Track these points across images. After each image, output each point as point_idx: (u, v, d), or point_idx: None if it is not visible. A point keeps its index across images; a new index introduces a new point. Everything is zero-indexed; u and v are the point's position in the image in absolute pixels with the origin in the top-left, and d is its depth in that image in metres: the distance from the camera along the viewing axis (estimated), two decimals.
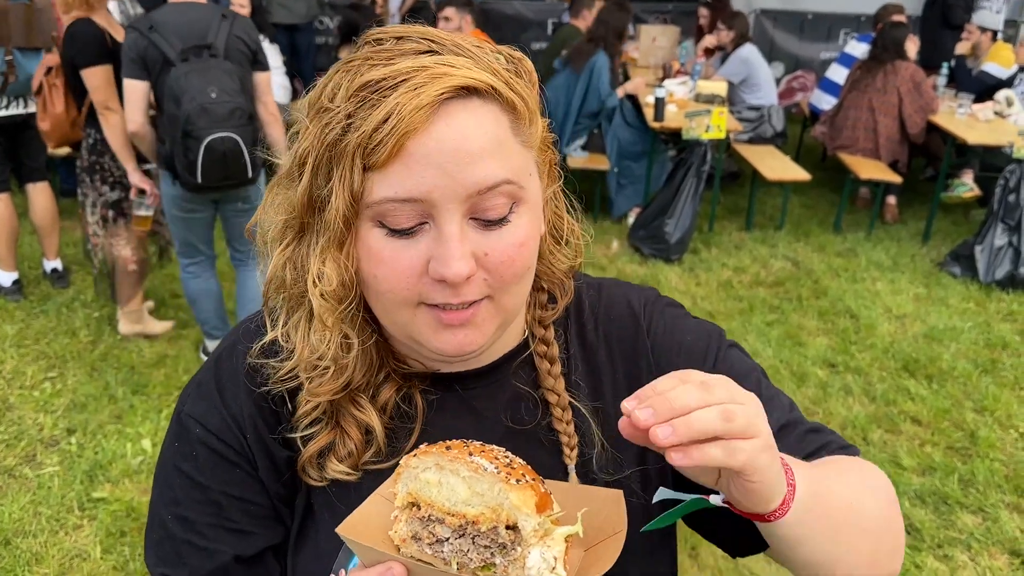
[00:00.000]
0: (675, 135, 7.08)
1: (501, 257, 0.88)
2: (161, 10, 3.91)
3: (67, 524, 3.40)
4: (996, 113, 7.27)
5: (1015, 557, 3.36)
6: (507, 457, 0.78)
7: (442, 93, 0.82)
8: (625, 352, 1.08)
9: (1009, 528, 3.50)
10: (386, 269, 0.88)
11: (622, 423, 0.74)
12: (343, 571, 0.98)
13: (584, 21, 7.74)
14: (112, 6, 4.73)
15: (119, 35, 4.24)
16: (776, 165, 7.23)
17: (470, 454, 0.77)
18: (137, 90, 3.91)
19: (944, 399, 4.52)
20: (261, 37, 4.40)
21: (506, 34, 10.59)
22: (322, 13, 8.59)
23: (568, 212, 1.07)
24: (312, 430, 0.98)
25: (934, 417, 4.34)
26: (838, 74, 8.46)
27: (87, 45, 4.18)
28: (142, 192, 4.45)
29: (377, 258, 0.88)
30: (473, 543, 0.75)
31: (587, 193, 7.46)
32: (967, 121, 7.18)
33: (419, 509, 0.78)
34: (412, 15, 8.80)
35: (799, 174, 7.03)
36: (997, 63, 7.90)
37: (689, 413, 0.72)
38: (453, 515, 0.76)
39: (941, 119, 7.19)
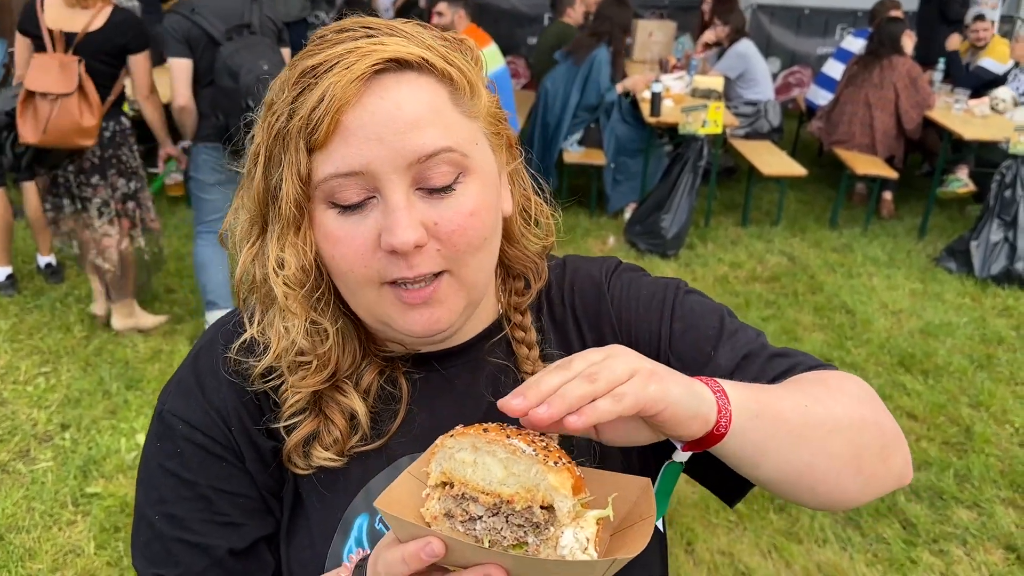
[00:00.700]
0: (671, 130, 7.07)
1: (451, 226, 0.88)
2: None
3: (61, 519, 3.39)
4: (992, 108, 7.27)
5: (1010, 552, 3.37)
6: (543, 440, 0.78)
7: (373, 65, 0.85)
8: (591, 321, 1.09)
9: (1004, 523, 3.50)
10: (342, 248, 0.89)
11: (523, 420, 0.77)
12: (359, 551, 0.98)
13: (571, 16, 7.74)
14: None
15: None
16: (772, 160, 7.23)
17: (508, 436, 0.77)
18: (185, 68, 4.31)
19: (940, 394, 4.52)
20: None
21: (501, 29, 10.55)
22: (316, 8, 8.58)
23: (535, 192, 1.08)
24: (296, 419, 0.98)
25: (930, 412, 4.34)
26: (834, 69, 8.46)
27: (140, 31, 4.45)
28: (168, 159, 4.72)
29: (332, 238, 0.89)
30: (507, 522, 0.76)
31: (583, 188, 7.45)
32: (963, 117, 7.18)
33: (452, 488, 0.79)
34: (403, 12, 8.81)
35: (795, 169, 7.03)
36: (993, 58, 7.91)
37: (556, 391, 0.76)
38: (488, 494, 0.77)
39: (937, 114, 7.19)
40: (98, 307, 4.98)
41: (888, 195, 7.46)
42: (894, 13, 7.83)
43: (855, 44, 8.40)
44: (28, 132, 4.27)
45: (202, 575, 0.99)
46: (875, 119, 7.26)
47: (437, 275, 0.90)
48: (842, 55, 8.55)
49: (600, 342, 1.06)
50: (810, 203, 7.78)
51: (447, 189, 0.89)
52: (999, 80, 7.85)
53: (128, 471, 3.67)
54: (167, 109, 4.62)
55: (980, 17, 8.24)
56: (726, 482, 1.04)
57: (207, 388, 1.01)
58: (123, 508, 3.44)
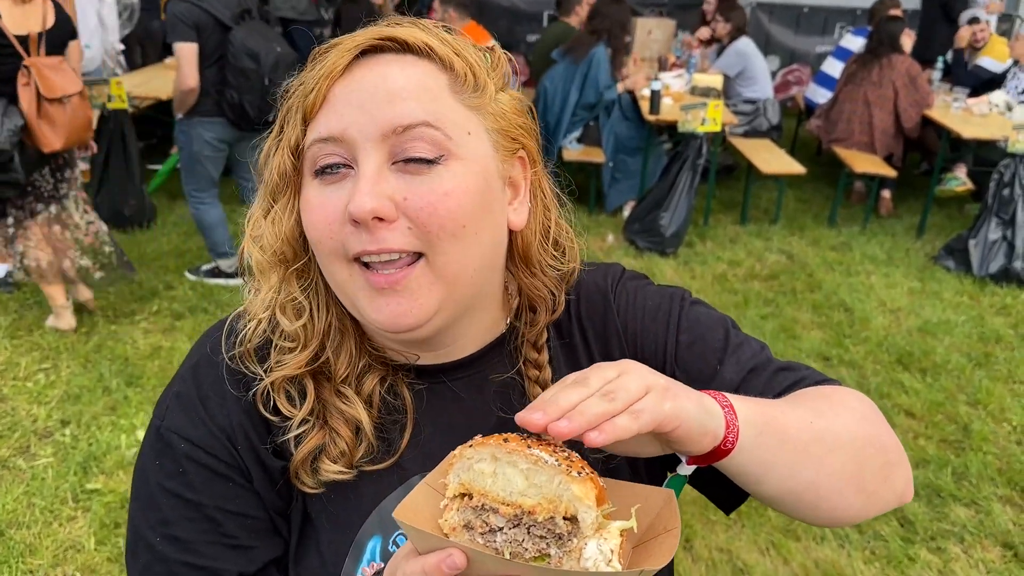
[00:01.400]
0: (671, 128, 7.08)
1: (420, 202, 0.86)
2: None
3: (61, 515, 3.39)
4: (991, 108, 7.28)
5: (1007, 549, 3.38)
6: (564, 451, 0.77)
7: (371, 38, 0.87)
8: (597, 331, 1.07)
9: (1002, 521, 3.52)
10: (315, 215, 0.89)
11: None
12: (373, 564, 0.96)
13: (576, 17, 7.73)
14: None
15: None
16: (771, 159, 7.24)
17: (529, 446, 0.76)
18: (194, 52, 4.70)
19: (938, 392, 4.53)
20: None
21: (501, 27, 10.57)
22: (320, 6, 8.61)
23: (560, 216, 1.06)
24: (302, 430, 0.95)
25: (927, 410, 4.35)
26: (833, 68, 8.47)
27: (72, 19, 4.57)
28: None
29: (309, 206, 0.90)
30: (528, 533, 0.75)
31: (582, 186, 7.45)
32: (962, 115, 7.19)
33: (471, 499, 0.77)
34: (401, 8, 8.80)
35: (794, 167, 7.04)
36: (992, 57, 7.92)
37: (575, 407, 0.75)
38: (508, 505, 0.75)
39: (936, 113, 7.20)
40: (81, 293, 4.93)
41: (887, 193, 7.47)
42: (893, 12, 7.84)
43: (854, 42, 8.42)
44: (53, 139, 4.25)
45: None
46: (874, 117, 7.27)
47: (413, 262, 0.87)
48: (841, 53, 8.56)
49: (606, 353, 1.06)
50: (809, 201, 7.79)
51: (424, 164, 0.86)
52: (998, 79, 7.86)
53: (128, 467, 3.68)
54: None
55: (974, 20, 8.24)
56: (724, 491, 1.04)
57: (210, 404, 0.96)
58: (123, 504, 3.45)
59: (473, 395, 1.02)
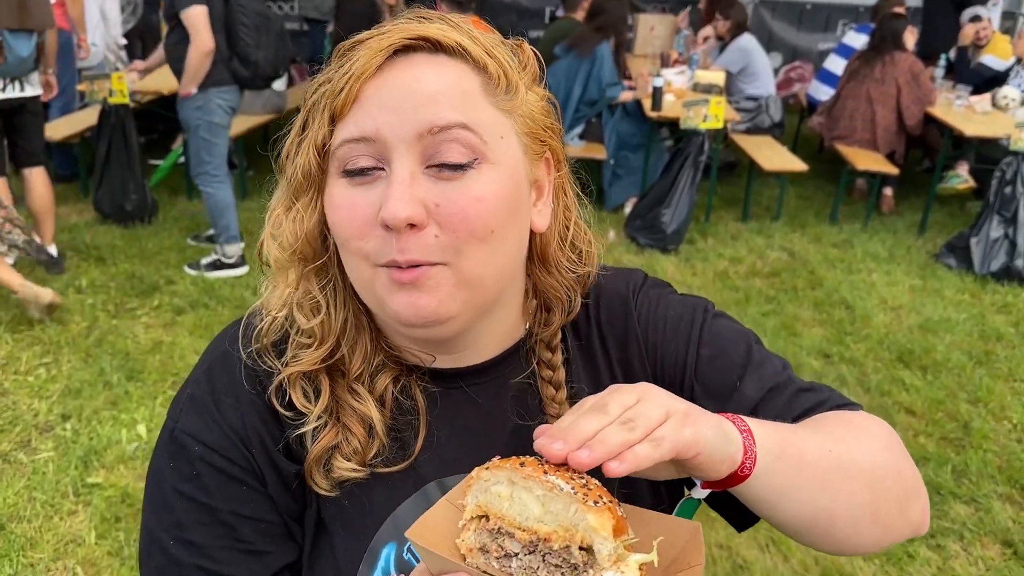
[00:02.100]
0: (672, 124, 7.07)
1: (453, 207, 0.85)
2: None
3: (62, 509, 3.40)
4: (995, 106, 7.26)
5: (1007, 547, 3.38)
6: (582, 478, 0.75)
7: (405, 38, 0.85)
8: (618, 339, 1.06)
9: (1001, 518, 3.52)
10: (344, 215, 0.88)
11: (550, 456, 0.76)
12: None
13: (582, 12, 7.72)
14: None
15: None
16: (773, 156, 7.23)
17: (545, 472, 0.75)
18: (206, 14, 4.86)
19: (938, 390, 4.53)
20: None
21: (503, 22, 10.54)
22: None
23: (580, 218, 1.06)
24: (316, 424, 0.95)
25: (928, 408, 4.35)
26: (836, 65, 8.46)
27: None
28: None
29: (336, 205, 0.88)
30: (543, 561, 0.74)
31: (584, 183, 7.43)
32: (964, 113, 7.18)
33: (488, 521, 0.76)
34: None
35: (796, 165, 7.03)
36: (995, 55, 7.90)
37: (595, 436, 0.74)
38: (524, 530, 0.74)
39: (938, 111, 7.19)
40: (42, 296, 4.79)
41: (888, 191, 7.46)
42: (897, 9, 7.82)
43: (857, 39, 8.40)
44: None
45: None
46: (876, 115, 7.26)
47: (436, 264, 0.87)
48: (844, 50, 8.54)
49: (625, 360, 1.05)
50: (810, 199, 7.79)
51: (458, 168, 0.85)
52: (1001, 77, 7.84)
53: (129, 462, 3.69)
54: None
55: (976, 18, 8.21)
56: (737, 511, 1.02)
57: (223, 406, 0.96)
58: (124, 499, 3.45)
59: (490, 400, 1.01)
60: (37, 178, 5.36)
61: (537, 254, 1.01)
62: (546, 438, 0.75)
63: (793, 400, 1.01)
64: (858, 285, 5.90)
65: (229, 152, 5.64)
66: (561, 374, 1.03)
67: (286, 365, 0.95)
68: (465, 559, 0.77)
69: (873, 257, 6.44)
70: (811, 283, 5.94)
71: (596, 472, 0.75)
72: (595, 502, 0.72)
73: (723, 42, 8.35)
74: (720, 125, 6.49)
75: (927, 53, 8.23)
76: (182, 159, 5.40)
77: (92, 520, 3.33)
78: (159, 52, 6.20)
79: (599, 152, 7.15)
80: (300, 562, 0.99)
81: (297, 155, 0.91)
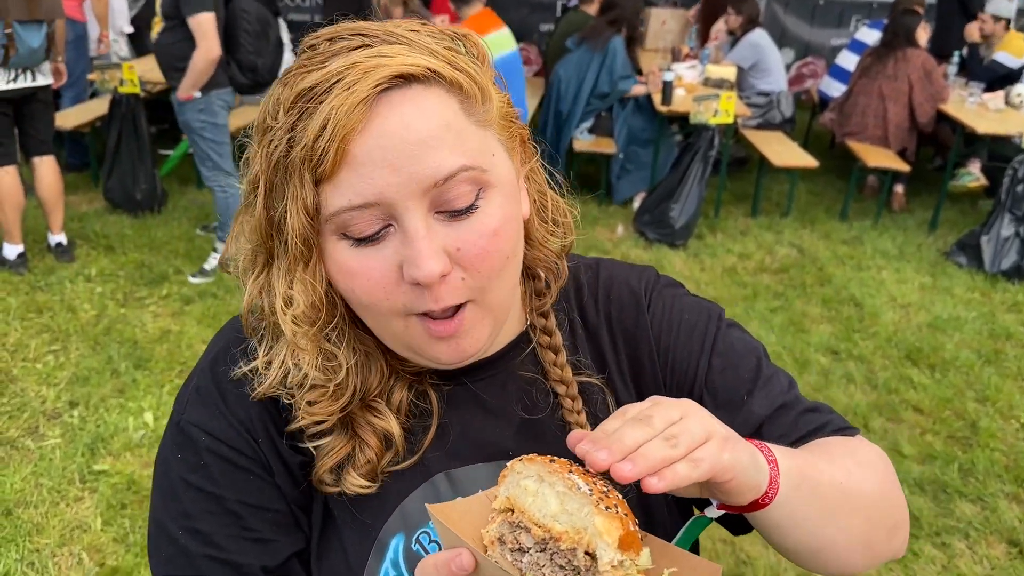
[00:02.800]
0: (682, 120, 7.04)
1: (475, 249, 0.84)
2: None
3: (68, 496, 3.42)
4: (1008, 103, 7.21)
5: (1013, 546, 3.36)
6: (606, 486, 0.76)
7: (377, 85, 0.78)
8: (627, 334, 1.06)
9: (1008, 517, 3.50)
10: (361, 280, 0.84)
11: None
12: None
13: (595, 6, 7.69)
14: None
15: None
16: (784, 151, 7.20)
17: (570, 471, 0.76)
18: (214, 20, 4.84)
19: (946, 388, 4.51)
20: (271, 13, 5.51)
21: (513, 16, 10.51)
22: None
23: (551, 188, 1.04)
24: (323, 441, 0.94)
25: (936, 406, 4.33)
26: (848, 61, 8.40)
27: None
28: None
29: (348, 271, 0.85)
30: (551, 560, 0.74)
31: (593, 176, 7.44)
32: (977, 110, 7.13)
33: (512, 514, 0.77)
34: None
35: (807, 160, 7.00)
36: (1008, 52, 7.84)
37: (638, 448, 0.73)
38: (540, 526, 0.74)
39: (951, 108, 7.14)
40: None
41: (900, 188, 7.42)
42: (911, 6, 7.76)
43: (870, 36, 8.34)
44: None
45: None
46: (888, 111, 7.22)
47: (460, 305, 0.86)
48: (856, 46, 8.48)
49: (635, 358, 1.05)
50: (821, 195, 7.75)
51: (469, 209, 0.83)
52: (1014, 74, 7.78)
53: (135, 449, 3.70)
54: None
55: (983, 9, 8.15)
56: (736, 518, 1.03)
57: (229, 398, 0.96)
58: (130, 486, 3.47)
59: (496, 395, 1.01)
60: (47, 167, 5.38)
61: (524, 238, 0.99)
62: (590, 444, 0.74)
63: (798, 420, 1.02)
64: (867, 282, 5.88)
65: None
66: (558, 338, 1.03)
67: (298, 409, 0.93)
68: (486, 550, 0.77)
69: (883, 254, 6.41)
70: (820, 280, 5.92)
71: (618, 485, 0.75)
72: (607, 508, 0.72)
73: (735, 37, 8.31)
74: (730, 120, 6.47)
75: (940, 52, 8.18)
76: (192, 149, 5.38)
77: (98, 507, 3.35)
78: None
79: (608, 146, 7.13)
80: (308, 550, 0.99)
81: (283, 221, 0.85)
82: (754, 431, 1.00)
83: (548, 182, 1.04)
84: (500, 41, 6.58)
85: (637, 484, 0.85)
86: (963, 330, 5.21)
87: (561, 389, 1.02)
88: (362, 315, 0.90)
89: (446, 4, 8.32)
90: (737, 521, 1.02)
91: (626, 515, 0.74)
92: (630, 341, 1.06)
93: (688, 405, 0.81)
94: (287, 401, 0.94)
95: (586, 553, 0.72)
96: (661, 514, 0.91)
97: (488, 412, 1.01)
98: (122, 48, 7.80)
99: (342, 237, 0.84)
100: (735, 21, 8.20)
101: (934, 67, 7.19)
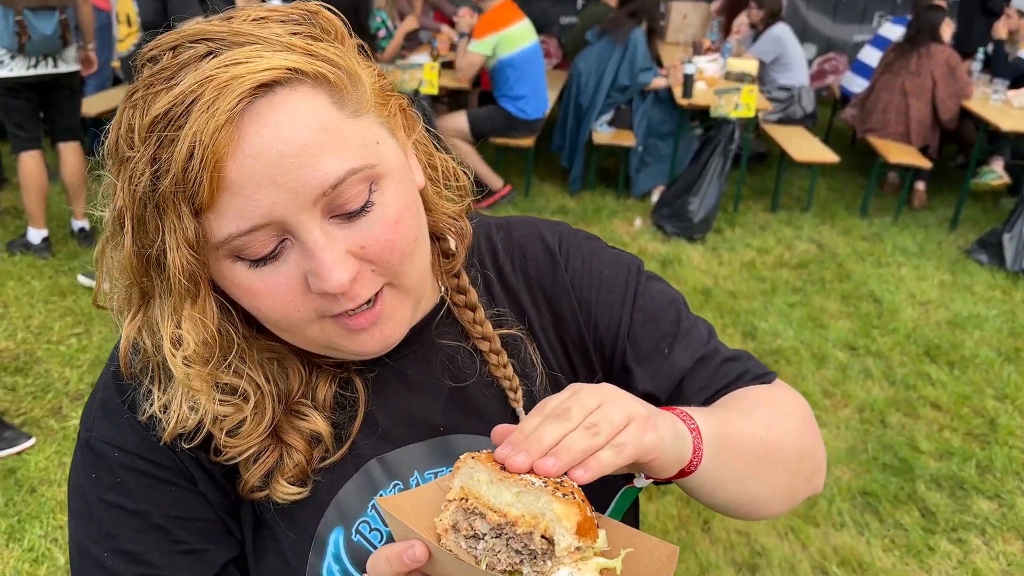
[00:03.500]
0: (702, 113, 7.02)
1: (379, 244, 0.81)
2: None
3: None
4: None
5: None
6: (559, 479, 0.75)
7: (240, 101, 0.72)
8: (546, 291, 1.05)
9: None
10: (267, 299, 0.80)
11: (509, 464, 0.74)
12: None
13: None
14: None
15: None
16: (804, 146, 7.16)
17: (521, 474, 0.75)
18: None
19: (965, 385, 4.49)
20: None
21: (535, 8, 10.51)
22: None
23: (439, 150, 0.99)
24: (247, 455, 0.88)
25: (954, 403, 4.32)
26: (871, 56, 8.35)
27: None
28: None
29: (251, 292, 0.80)
30: (507, 545, 0.73)
31: (612, 169, 7.43)
32: (1001, 107, 7.07)
33: (467, 502, 0.77)
34: None
35: (827, 156, 6.96)
36: None
37: (559, 443, 0.73)
38: (495, 511, 0.74)
39: (974, 105, 7.08)
40: None
41: (921, 185, 7.37)
42: (936, 1, 7.70)
43: (893, 31, 8.28)
44: None
45: None
46: (911, 107, 7.16)
47: (377, 293, 0.83)
48: (880, 42, 8.43)
49: (557, 314, 1.04)
50: (841, 191, 7.71)
51: (364, 208, 0.79)
52: None
53: None
54: None
55: (1009, 4, 8.07)
56: None
57: (138, 409, 0.89)
58: None
59: (420, 370, 0.99)
60: (72, 153, 5.44)
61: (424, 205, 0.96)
62: (509, 448, 0.74)
63: (718, 371, 1.05)
64: (887, 279, 5.85)
65: None
66: (473, 295, 1.01)
67: (221, 444, 0.87)
68: (440, 539, 0.77)
69: (903, 251, 6.37)
70: (839, 275, 5.90)
71: None
72: (564, 495, 0.72)
73: (756, 31, 8.28)
74: (751, 114, 6.44)
75: (962, 51, 8.11)
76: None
77: None
78: None
79: (628, 139, 7.12)
80: (243, 556, 0.95)
81: (161, 257, 0.78)
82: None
83: (434, 144, 0.99)
84: (521, 33, 6.59)
85: None
86: (983, 328, 5.18)
87: (484, 346, 1.00)
88: (273, 330, 0.86)
89: None
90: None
91: (583, 502, 0.73)
92: (550, 298, 1.05)
93: (606, 391, 0.80)
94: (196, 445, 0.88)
95: (543, 537, 0.72)
96: (592, 488, 0.93)
97: (414, 389, 0.98)
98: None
99: (236, 260, 0.79)
100: (757, 15, 8.17)
101: (958, 63, 7.13)
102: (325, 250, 0.77)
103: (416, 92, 6.41)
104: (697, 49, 8.31)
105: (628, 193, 7.31)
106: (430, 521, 0.78)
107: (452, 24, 8.52)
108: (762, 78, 7.78)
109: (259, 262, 0.78)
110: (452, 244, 1.01)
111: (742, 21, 8.59)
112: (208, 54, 0.75)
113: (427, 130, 0.98)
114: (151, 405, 0.87)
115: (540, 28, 8.45)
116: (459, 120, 6.77)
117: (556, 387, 0.99)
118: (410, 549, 0.71)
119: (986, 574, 3.19)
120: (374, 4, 7.49)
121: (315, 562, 0.92)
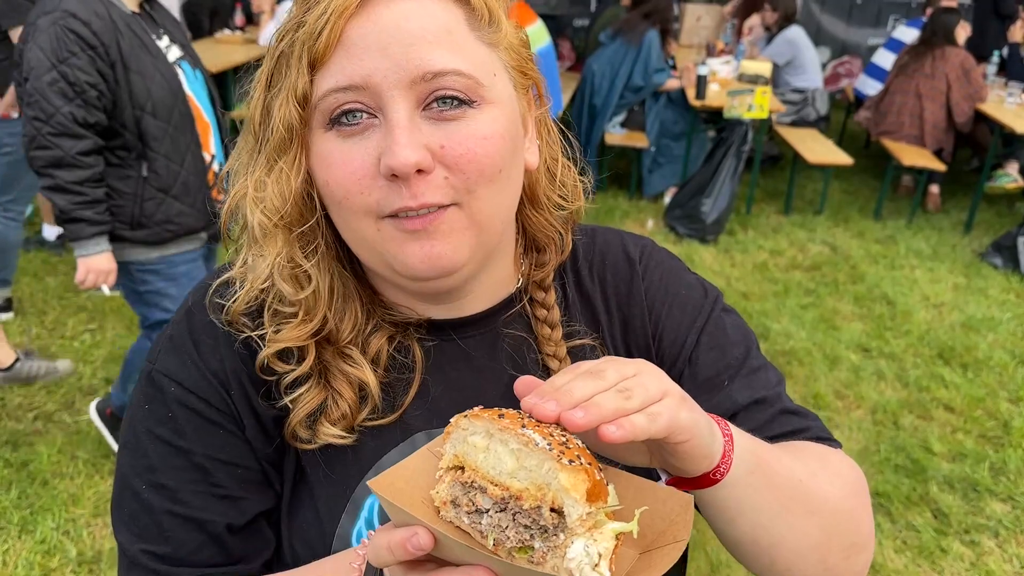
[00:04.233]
0: (715, 115, 7.00)
1: (460, 149, 0.81)
2: None
3: (103, 469, 3.49)
4: None
5: None
6: (563, 436, 0.70)
7: None
8: (620, 297, 1.04)
9: None
10: (337, 171, 0.82)
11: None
12: (371, 533, 0.92)
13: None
14: None
15: None
16: (818, 148, 7.14)
17: (523, 426, 0.69)
18: None
19: (979, 388, 4.46)
20: None
21: (548, 10, 10.53)
22: None
23: (563, 152, 1.01)
24: (299, 391, 0.90)
25: (967, 405, 4.29)
26: (885, 59, 8.32)
27: None
28: None
29: (327, 161, 0.83)
30: (513, 520, 0.69)
31: (623, 171, 7.43)
32: (1016, 110, 7.02)
33: (463, 473, 0.72)
34: None
35: (841, 158, 6.93)
36: None
37: (589, 399, 0.70)
38: (496, 485, 0.69)
39: (989, 107, 7.05)
40: None
41: (935, 188, 7.34)
42: (949, 4, 7.67)
43: (908, 34, 8.25)
44: None
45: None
46: (925, 110, 7.13)
47: (445, 207, 0.83)
48: (894, 45, 8.40)
49: (626, 321, 1.03)
50: (855, 193, 7.68)
51: (458, 108, 0.81)
52: None
53: None
54: None
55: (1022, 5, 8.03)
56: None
57: (203, 347, 0.91)
58: None
59: (484, 353, 0.98)
60: None
61: (527, 193, 0.97)
62: (536, 396, 0.71)
63: (776, 418, 0.99)
64: (900, 281, 5.82)
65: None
66: (556, 314, 1.00)
67: (265, 336, 0.90)
68: (439, 512, 0.73)
69: (916, 254, 6.34)
70: (852, 278, 5.87)
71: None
72: (571, 461, 0.67)
73: (770, 33, 8.26)
74: (765, 115, 6.43)
75: (976, 55, 8.07)
76: None
77: None
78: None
79: (640, 140, 7.12)
80: (277, 509, 0.95)
81: (273, 109, 0.84)
82: (728, 418, 0.92)
83: (563, 151, 1.00)
84: (535, 35, 6.60)
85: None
86: (997, 330, 5.14)
87: (554, 365, 0.99)
88: (336, 217, 0.87)
89: None
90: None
91: (590, 464, 0.69)
92: (623, 305, 1.04)
93: (643, 363, 0.77)
94: (257, 335, 0.91)
95: (552, 510, 0.67)
96: None
97: (475, 369, 0.98)
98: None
99: (328, 127, 0.83)
100: (771, 17, 8.15)
101: (973, 66, 7.10)
102: (404, 129, 0.79)
103: None
104: (710, 51, 8.30)
105: (640, 194, 7.30)
106: (426, 494, 0.74)
107: None
108: (775, 80, 7.76)
109: (345, 129, 0.82)
110: (547, 256, 1.01)
111: (753, 22, 8.57)
112: None
113: (564, 149, 1.00)
114: (234, 270, 0.92)
115: (554, 31, 8.46)
116: None
117: None
118: (414, 537, 0.67)
119: None
120: None
121: (346, 523, 0.92)
